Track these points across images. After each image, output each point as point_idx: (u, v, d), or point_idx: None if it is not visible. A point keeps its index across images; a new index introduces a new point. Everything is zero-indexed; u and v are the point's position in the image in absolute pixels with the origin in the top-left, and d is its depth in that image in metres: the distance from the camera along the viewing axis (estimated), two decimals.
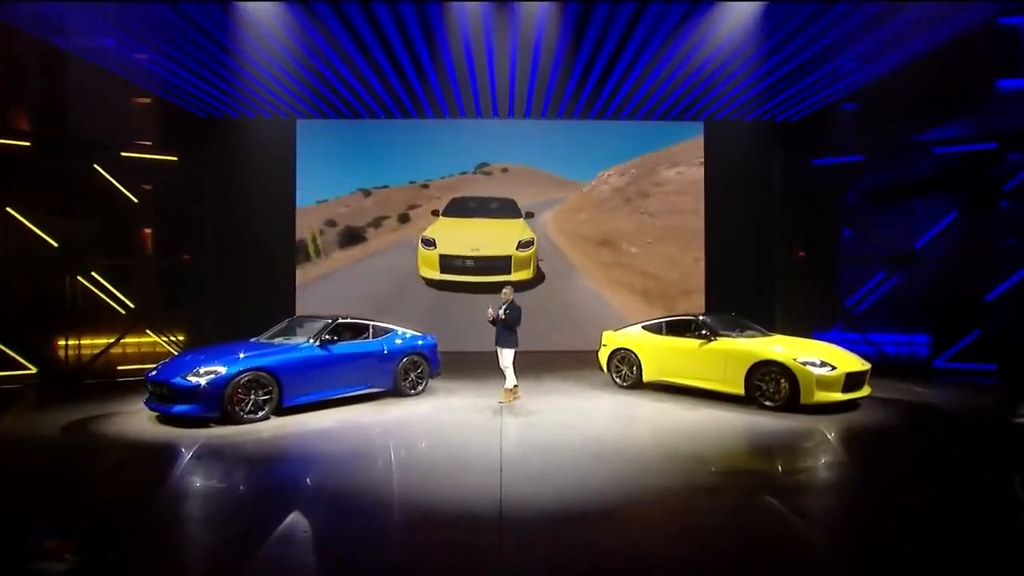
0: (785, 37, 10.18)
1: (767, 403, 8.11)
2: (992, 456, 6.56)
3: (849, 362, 8.20)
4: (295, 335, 8.80)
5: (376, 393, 9.09)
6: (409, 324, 10.07)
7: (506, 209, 14.78)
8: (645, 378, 9.68)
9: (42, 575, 3.34)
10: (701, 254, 14.71)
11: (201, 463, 6.07)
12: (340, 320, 8.89)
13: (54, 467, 6.09)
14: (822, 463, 6.26)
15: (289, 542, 4.24)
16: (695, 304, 14.45)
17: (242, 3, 9.70)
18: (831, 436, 6.97)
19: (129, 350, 12.12)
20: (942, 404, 9.08)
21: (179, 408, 7.26)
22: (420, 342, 9.65)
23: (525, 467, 5.85)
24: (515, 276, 14.20)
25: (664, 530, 4.61)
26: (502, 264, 14.28)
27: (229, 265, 13.71)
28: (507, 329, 8.78)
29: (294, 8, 9.81)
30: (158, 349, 12.26)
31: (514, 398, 8.81)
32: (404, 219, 14.77)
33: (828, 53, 10.60)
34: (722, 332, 9.01)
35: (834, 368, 7.90)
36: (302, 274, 14.46)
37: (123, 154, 12.00)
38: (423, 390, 9.49)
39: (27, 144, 10.82)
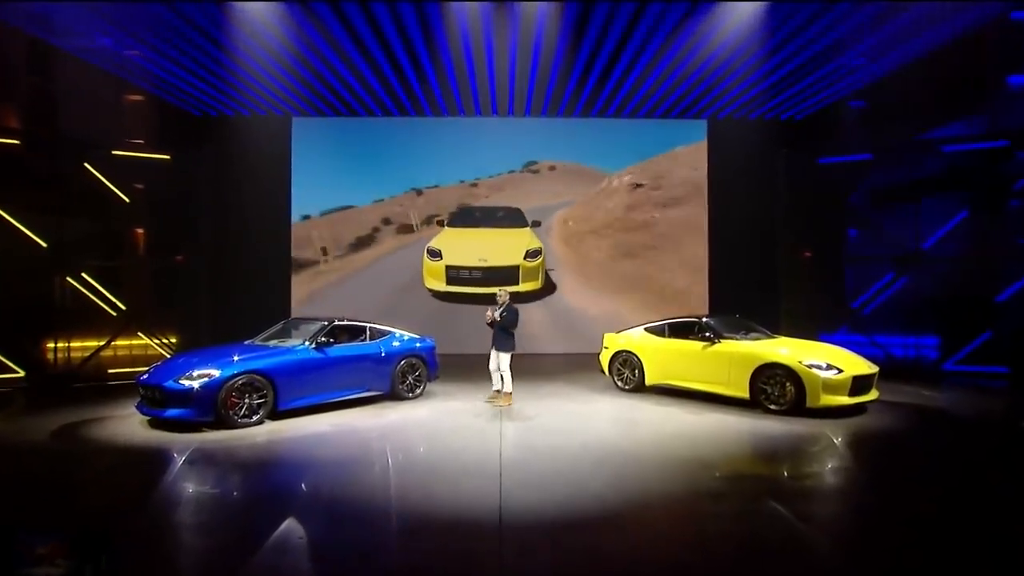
0: (790, 33, 10.19)
1: (772, 407, 8.12)
2: (1003, 461, 6.56)
3: (856, 365, 8.20)
4: (291, 337, 8.80)
5: (373, 397, 9.09)
6: (411, 326, 10.09)
7: (512, 218, 14.75)
8: (647, 381, 9.69)
9: None
10: (704, 254, 14.72)
11: (194, 468, 6.07)
12: (336, 322, 8.89)
13: (43, 473, 6.09)
14: (828, 468, 6.26)
15: (284, 549, 4.24)
16: (698, 306, 14.46)
17: (237, 1, 9.72)
18: (837, 441, 6.97)
19: (120, 353, 12.13)
20: (952, 408, 9.08)
21: (171, 412, 7.26)
22: (418, 344, 9.66)
23: (525, 472, 5.85)
24: (523, 287, 14.17)
25: (667, 536, 4.61)
26: (510, 274, 14.22)
27: (223, 266, 13.72)
28: (504, 332, 8.80)
29: (290, 4, 9.82)
30: (150, 352, 12.26)
31: (506, 404, 8.83)
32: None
33: (834, 49, 10.61)
34: (726, 334, 9.01)
35: (841, 371, 7.90)
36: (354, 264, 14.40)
37: (115, 153, 12.02)
38: (421, 393, 9.49)
39: (16, 142, 10.83)
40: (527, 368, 11.70)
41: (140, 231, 12.83)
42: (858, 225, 13.43)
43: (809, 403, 7.83)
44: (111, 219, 12.27)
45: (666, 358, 9.50)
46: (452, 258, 14.31)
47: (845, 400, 7.87)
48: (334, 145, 14.58)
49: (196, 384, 7.22)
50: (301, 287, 14.48)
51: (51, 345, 11.36)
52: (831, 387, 7.81)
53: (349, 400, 8.78)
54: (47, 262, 11.17)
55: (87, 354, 11.66)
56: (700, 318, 9.43)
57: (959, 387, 10.50)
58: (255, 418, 7.53)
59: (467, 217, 14.74)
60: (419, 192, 14.87)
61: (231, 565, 4.03)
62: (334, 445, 6.98)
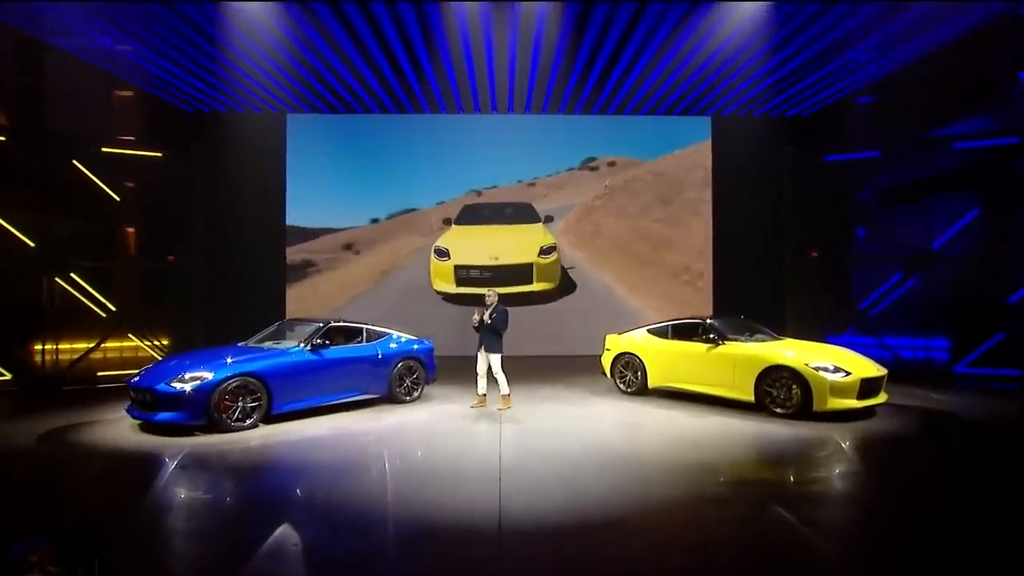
0: (796, 28, 10.21)
1: (778, 410, 8.12)
2: (1014, 466, 6.57)
3: (864, 367, 8.21)
4: (285, 339, 8.81)
5: (370, 400, 9.10)
6: (408, 328, 10.10)
7: (523, 213, 14.49)
8: (650, 384, 9.70)
9: None
10: (708, 254, 14.73)
11: (186, 473, 6.07)
12: (332, 323, 8.90)
13: (30, 478, 6.09)
14: (836, 473, 6.27)
15: (278, 556, 4.24)
16: (702, 307, 14.46)
17: None
18: (845, 445, 6.98)
19: (110, 355, 12.13)
20: (962, 412, 9.09)
21: (163, 416, 7.26)
22: (416, 346, 9.66)
23: (525, 476, 5.86)
24: (537, 286, 13.94)
25: (670, 542, 4.62)
26: (523, 273, 13.93)
27: (216, 266, 13.71)
28: (494, 334, 8.80)
29: None
30: (141, 354, 12.27)
31: (506, 406, 8.85)
32: None
33: (841, 44, 10.62)
34: (731, 336, 9.02)
35: (848, 374, 7.91)
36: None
37: (104, 150, 12.01)
38: (419, 396, 9.50)
39: (3, 139, 10.84)
40: (527, 370, 11.71)
41: (131, 230, 12.83)
42: (866, 224, 13.44)
43: (816, 406, 7.84)
44: (101, 218, 12.27)
45: (669, 360, 9.51)
46: (461, 257, 14.06)
47: (853, 403, 7.87)
48: (343, 144, 14.50)
49: (188, 387, 7.22)
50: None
51: (39, 347, 11.36)
52: (838, 390, 7.82)
53: (345, 403, 8.79)
54: (35, 262, 11.17)
55: (76, 356, 11.66)
56: (704, 319, 9.45)
57: (970, 390, 10.51)
58: (249, 422, 7.53)
59: (475, 214, 14.51)
60: (478, 193, 14.70)
61: (224, 573, 4.03)
62: (330, 449, 6.99)
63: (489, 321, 8.74)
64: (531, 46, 11.18)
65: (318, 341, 8.47)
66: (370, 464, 6.67)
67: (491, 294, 9.04)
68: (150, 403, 7.37)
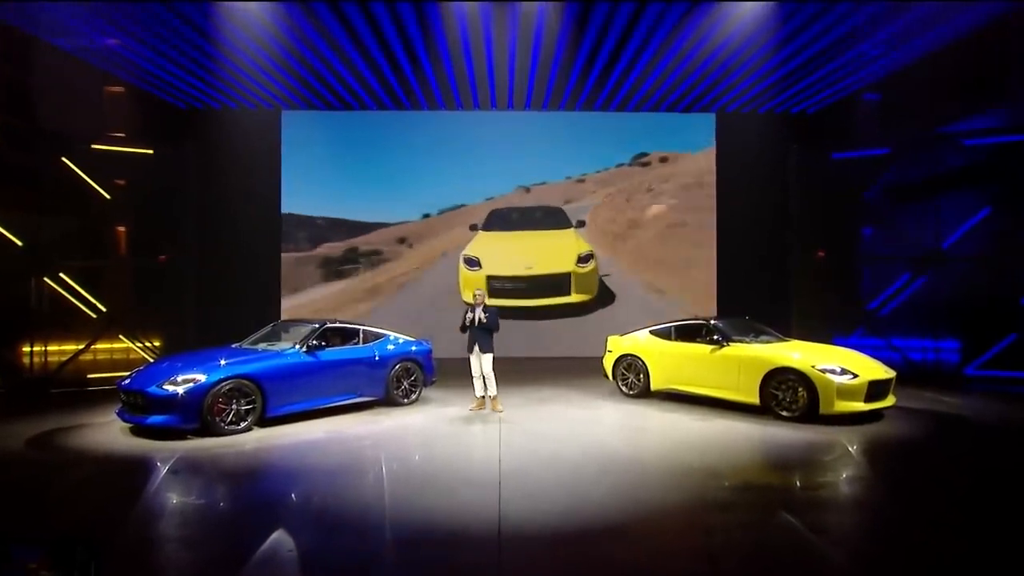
0: (803, 23, 10.20)
1: (784, 413, 8.13)
2: None
3: (872, 370, 8.22)
4: (280, 341, 8.83)
5: (367, 402, 9.11)
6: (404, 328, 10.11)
7: (554, 218, 14.08)
8: (653, 386, 9.70)
9: None
10: (713, 254, 14.74)
11: (178, 478, 6.08)
12: (328, 324, 8.91)
13: (18, 483, 6.10)
14: (843, 478, 6.27)
15: (273, 563, 4.25)
16: (706, 307, 14.47)
17: None
18: (853, 449, 6.99)
19: (100, 357, 12.13)
20: (973, 415, 9.09)
21: (154, 419, 7.26)
22: (413, 348, 9.67)
23: (525, 481, 5.86)
24: (575, 297, 13.53)
25: (673, 548, 4.62)
26: (560, 283, 13.42)
27: (210, 266, 13.72)
28: (487, 333, 8.82)
29: None
30: (132, 356, 12.27)
31: (482, 408, 8.91)
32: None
33: (849, 39, 10.62)
34: (735, 337, 9.03)
35: (856, 376, 7.91)
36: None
37: (94, 146, 12.03)
38: (417, 399, 9.51)
39: None
40: (527, 372, 11.72)
41: (121, 229, 12.84)
42: (874, 223, 13.45)
43: (822, 409, 7.85)
44: (91, 216, 12.27)
45: (672, 362, 9.52)
46: (493, 267, 13.64)
47: (860, 406, 7.88)
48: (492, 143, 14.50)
49: (181, 389, 7.22)
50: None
51: (27, 349, 11.35)
52: (846, 393, 7.83)
53: (341, 406, 8.79)
54: (23, 262, 11.15)
55: (65, 358, 11.66)
56: (708, 320, 9.46)
57: (981, 393, 10.52)
58: (243, 425, 7.54)
59: (504, 219, 14.18)
60: (527, 189, 14.57)
61: None
62: (326, 453, 6.99)
63: (484, 320, 8.75)
64: (531, 43, 11.18)
65: (314, 342, 8.47)
66: (367, 468, 6.67)
67: (479, 293, 9.08)
68: (141, 406, 7.37)
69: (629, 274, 14.68)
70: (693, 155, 14.77)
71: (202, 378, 7.35)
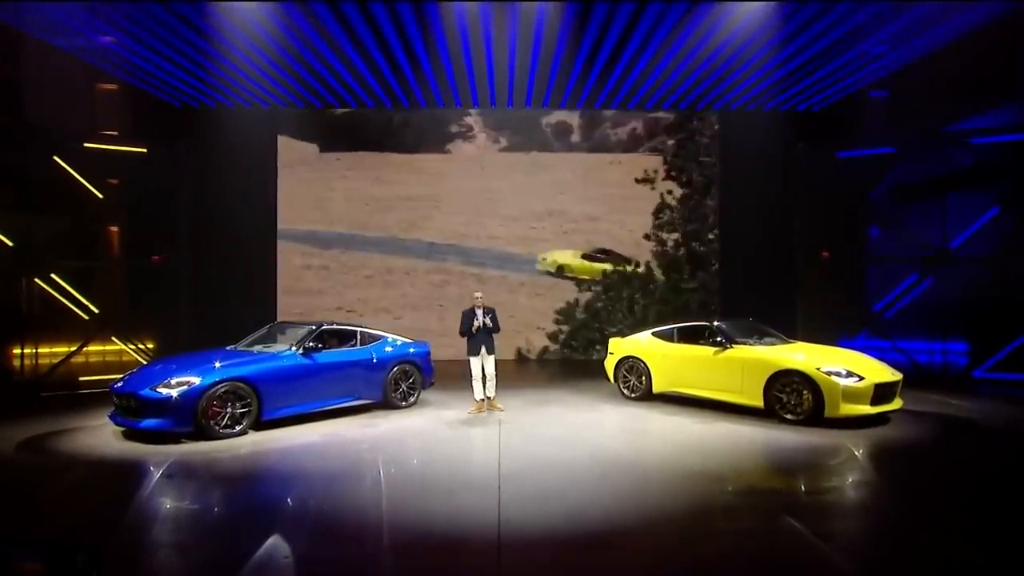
0: (806, 19, 10.20)
1: (788, 416, 8.13)
2: None
3: (878, 372, 8.22)
4: (276, 342, 8.83)
5: (364, 405, 9.11)
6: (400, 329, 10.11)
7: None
8: (655, 389, 9.71)
9: None
10: (716, 254, 14.75)
11: (172, 483, 6.08)
12: (325, 326, 8.91)
13: (8, 488, 6.09)
14: (849, 482, 6.28)
15: (268, 569, 4.25)
16: (709, 309, 14.49)
17: None
18: (859, 453, 6.99)
19: (93, 359, 12.13)
20: (982, 418, 9.08)
21: (148, 422, 7.26)
22: (412, 350, 9.67)
23: (525, 486, 5.86)
24: None
25: (676, 555, 4.63)
26: None
27: (204, 266, 13.72)
28: (490, 336, 8.97)
29: None
30: (125, 358, 12.27)
31: (482, 411, 9.00)
32: None
33: (854, 36, 10.62)
34: (739, 339, 9.03)
35: (862, 378, 7.92)
36: None
37: (87, 145, 12.02)
38: (415, 402, 9.51)
39: None
40: (528, 374, 11.73)
41: (114, 229, 12.85)
42: (880, 223, 13.46)
43: (828, 412, 7.84)
44: (83, 216, 12.28)
45: (675, 364, 9.52)
46: None
47: (866, 409, 7.88)
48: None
49: (174, 392, 7.22)
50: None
51: (17, 351, 11.35)
52: (851, 395, 7.83)
53: (338, 409, 8.79)
54: (14, 262, 11.16)
55: (57, 360, 11.66)
56: (711, 322, 9.46)
57: (989, 396, 10.51)
58: (238, 428, 7.54)
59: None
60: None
61: None
62: (322, 457, 6.99)
63: (489, 323, 8.84)
64: (531, 41, 11.18)
65: (310, 344, 8.47)
66: (364, 472, 6.67)
67: (480, 295, 9.13)
68: (134, 409, 7.36)
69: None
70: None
71: (196, 381, 7.34)
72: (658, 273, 14.74)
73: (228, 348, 8.73)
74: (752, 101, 13.72)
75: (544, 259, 14.64)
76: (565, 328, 14.50)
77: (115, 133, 12.55)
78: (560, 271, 14.63)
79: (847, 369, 7.99)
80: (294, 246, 14.57)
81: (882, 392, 8.02)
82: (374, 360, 9.11)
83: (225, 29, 10.46)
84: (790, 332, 10.51)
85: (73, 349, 11.83)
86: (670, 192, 14.76)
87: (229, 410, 7.51)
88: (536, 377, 11.74)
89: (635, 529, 5.00)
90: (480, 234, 14.72)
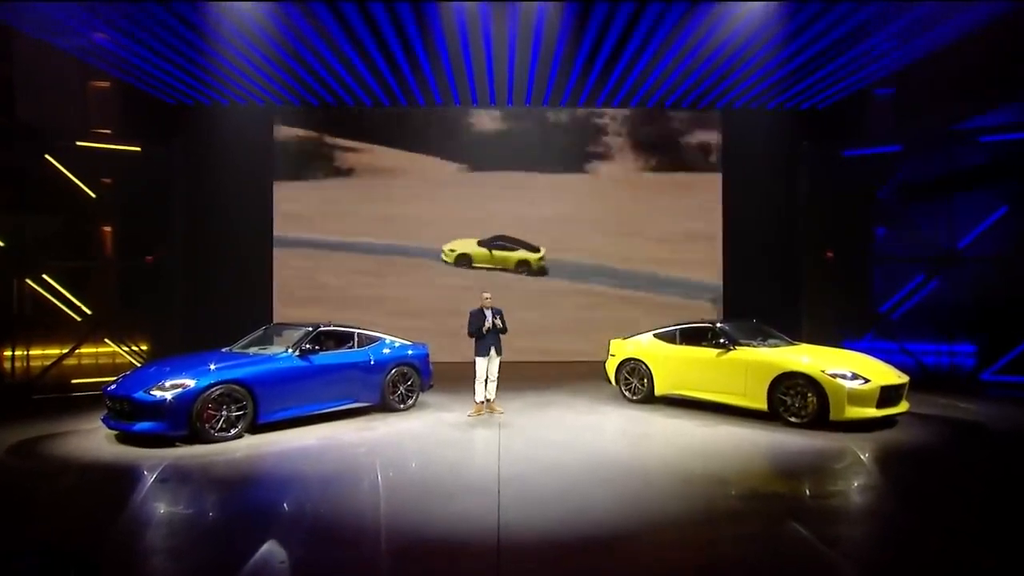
0: (812, 15, 10.21)
1: (792, 419, 8.14)
2: None
3: (884, 374, 8.23)
4: (272, 344, 8.84)
5: (362, 408, 9.12)
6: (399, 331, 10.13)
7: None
8: (657, 391, 9.71)
9: None
10: (719, 255, 14.76)
11: (166, 487, 6.09)
12: (322, 328, 8.92)
13: (0, 493, 6.09)
14: (854, 487, 6.28)
15: (264, 575, 4.26)
16: (712, 310, 14.49)
17: None
18: (864, 457, 7.00)
19: (85, 361, 12.13)
20: (990, 421, 9.09)
21: (141, 426, 7.27)
22: (410, 351, 9.69)
23: (525, 490, 5.87)
24: None
25: (678, 560, 4.63)
26: None
27: (199, 267, 13.74)
28: (498, 336, 9.02)
29: None
30: (118, 360, 12.27)
31: (481, 413, 9.04)
32: None
33: (860, 32, 10.63)
34: (742, 341, 9.04)
35: (867, 381, 7.92)
36: None
37: (79, 143, 12.01)
38: (413, 404, 9.52)
39: None
40: (528, 377, 11.72)
41: (107, 229, 12.83)
42: (886, 223, 13.45)
43: (833, 415, 7.85)
44: (75, 216, 12.26)
45: (677, 366, 9.53)
46: None
47: (872, 412, 7.89)
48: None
49: (169, 395, 7.23)
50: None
51: (8, 353, 11.35)
52: (857, 398, 7.83)
53: (336, 412, 8.80)
54: (5, 262, 11.16)
55: (49, 363, 11.65)
56: (714, 323, 9.48)
57: (998, 399, 10.51)
58: (233, 432, 7.55)
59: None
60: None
61: None
62: (319, 461, 6.99)
63: (500, 323, 8.91)
64: (532, 38, 11.19)
65: (307, 346, 8.49)
66: (362, 476, 6.68)
67: (488, 296, 9.13)
68: (128, 412, 7.37)
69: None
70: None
71: (191, 383, 7.35)
72: None
73: (223, 350, 8.73)
74: (757, 99, 13.73)
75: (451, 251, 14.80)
76: None
77: (108, 131, 12.55)
78: (463, 261, 14.75)
79: (852, 371, 8.00)
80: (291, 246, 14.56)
81: (888, 395, 8.03)
82: (372, 362, 9.12)
83: (219, 25, 10.47)
84: (794, 334, 10.52)
85: (65, 351, 11.82)
86: None
87: (224, 413, 7.52)
88: (536, 379, 11.74)
89: (636, 534, 5.01)
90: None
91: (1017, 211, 11.54)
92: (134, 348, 12.68)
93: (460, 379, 10.76)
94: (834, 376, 7.92)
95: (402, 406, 9.37)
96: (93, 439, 7.72)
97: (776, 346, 9.08)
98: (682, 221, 14.91)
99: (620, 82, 13.07)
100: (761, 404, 8.45)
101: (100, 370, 11.77)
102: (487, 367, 9.00)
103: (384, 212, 14.76)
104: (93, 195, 12.23)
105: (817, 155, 13.79)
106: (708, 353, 9.13)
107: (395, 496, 6.01)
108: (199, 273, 13.73)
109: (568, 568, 4.40)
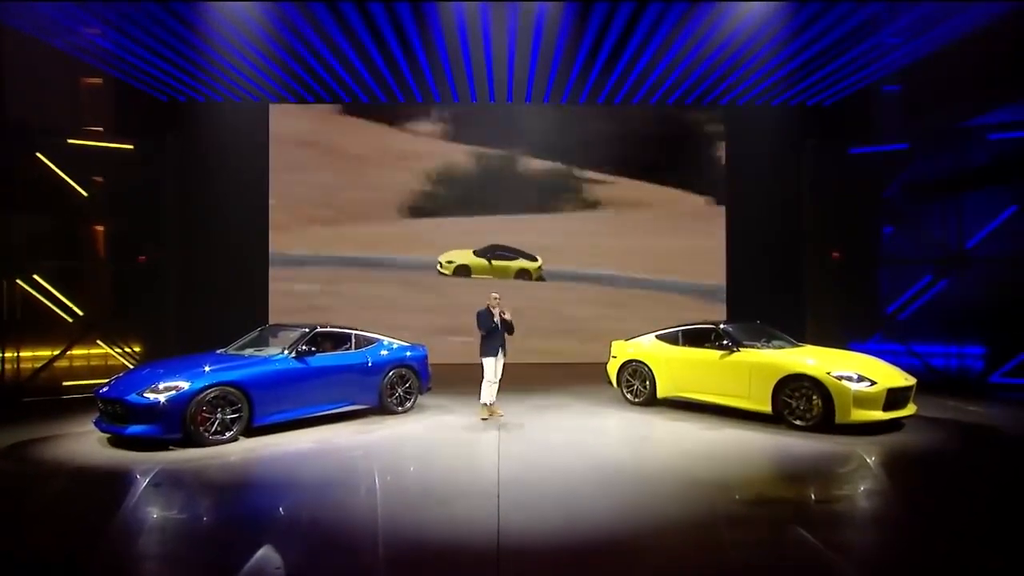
0: (817, 10, 10.22)
1: (797, 422, 8.14)
2: None
3: (891, 377, 8.23)
4: (268, 346, 8.83)
5: (359, 411, 9.12)
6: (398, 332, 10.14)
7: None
8: (659, 394, 9.72)
9: None
10: (722, 255, 14.76)
11: (159, 491, 6.08)
12: (319, 329, 8.93)
13: None
14: (861, 491, 6.28)
15: None
16: (716, 311, 14.49)
17: None
18: (871, 461, 7.00)
19: (77, 363, 12.12)
20: (999, 424, 9.09)
21: (134, 429, 7.26)
22: (408, 353, 9.69)
23: (526, 493, 5.87)
24: None
25: (681, 566, 4.64)
26: None
27: (193, 267, 13.73)
28: (504, 336, 9.01)
29: None
30: (111, 362, 12.27)
31: (492, 415, 9.04)
32: None
33: (867, 28, 10.64)
34: (746, 342, 9.04)
35: (874, 383, 7.93)
36: None
37: (71, 141, 12.01)
38: (412, 407, 9.52)
39: None
40: (528, 378, 11.72)
41: (100, 228, 12.82)
42: (893, 222, 13.45)
43: (838, 419, 7.85)
44: (67, 215, 12.25)
45: (680, 368, 9.53)
46: None
47: (879, 415, 7.89)
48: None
49: (162, 397, 7.22)
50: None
51: None
52: (863, 401, 7.83)
53: (333, 415, 8.80)
54: None
55: (39, 365, 11.65)
56: (717, 324, 9.47)
57: (1007, 402, 10.52)
58: (228, 435, 7.54)
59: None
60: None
61: None
62: (316, 464, 7.00)
63: (509, 319, 8.92)
64: (532, 32, 11.20)
65: (303, 348, 8.49)
66: (359, 481, 6.68)
67: (497, 296, 9.15)
68: (120, 415, 7.37)
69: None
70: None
71: (185, 385, 7.35)
72: None
73: (218, 351, 8.74)
74: (761, 95, 13.73)
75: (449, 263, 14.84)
76: None
77: (100, 129, 12.55)
78: (462, 272, 14.80)
79: (859, 373, 8.00)
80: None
81: (895, 397, 8.03)
82: (369, 364, 9.13)
83: (212, 19, 10.47)
84: (799, 335, 10.52)
85: (57, 353, 11.82)
86: None
87: (219, 416, 7.51)
88: (537, 381, 11.74)
89: (638, 539, 5.01)
90: None
91: None
92: (127, 350, 12.68)
93: (461, 382, 10.78)
94: (840, 378, 7.92)
95: (400, 408, 9.37)
96: (85, 442, 7.71)
97: (780, 348, 9.08)
98: (685, 221, 14.91)
99: (622, 79, 13.06)
100: (765, 407, 8.45)
101: (92, 372, 11.76)
102: (492, 367, 8.98)
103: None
104: (85, 194, 12.23)
105: (823, 153, 13.79)
106: (711, 355, 9.13)
107: (393, 500, 6.02)
108: (193, 273, 13.71)
109: (568, 573, 4.40)
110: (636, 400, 9.97)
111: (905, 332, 12.85)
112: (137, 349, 12.88)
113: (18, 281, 11.45)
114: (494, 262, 14.72)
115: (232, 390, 7.61)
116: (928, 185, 12.86)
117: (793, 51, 11.53)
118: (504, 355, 9.05)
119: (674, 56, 11.98)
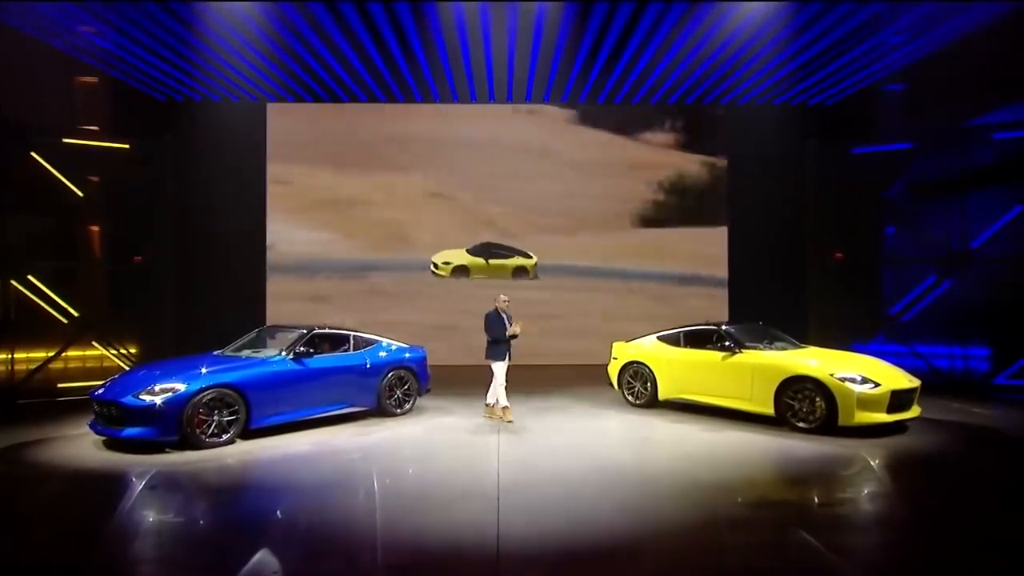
0: (819, 9, 10.23)
1: (800, 424, 8.14)
2: None
3: (895, 378, 8.23)
4: (265, 347, 8.85)
5: (357, 413, 9.12)
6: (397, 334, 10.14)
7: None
8: (661, 395, 9.72)
9: None
10: (724, 255, 14.76)
11: (155, 494, 6.07)
12: (316, 330, 8.92)
13: None
14: (864, 494, 6.28)
15: None
16: (717, 312, 14.49)
17: None
18: (874, 463, 7.00)
19: (72, 365, 12.11)
20: (1004, 427, 9.10)
21: (130, 431, 7.26)
22: (407, 355, 9.69)
23: (526, 497, 5.87)
24: None
25: (683, 570, 4.63)
26: None
27: (190, 268, 13.72)
28: (509, 340, 9.02)
29: None
30: (106, 364, 12.26)
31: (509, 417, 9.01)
32: None
33: (870, 27, 10.64)
34: (748, 344, 9.04)
35: (877, 385, 7.92)
36: None
37: (66, 140, 12.00)
38: (410, 409, 9.52)
39: None
40: (528, 380, 11.72)
41: (95, 228, 12.82)
42: (896, 222, 13.45)
43: (842, 421, 7.85)
44: (62, 215, 12.25)
45: (681, 370, 9.53)
46: None
47: (882, 417, 7.88)
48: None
49: (158, 400, 7.22)
50: None
51: None
52: (867, 403, 7.83)
53: (331, 417, 8.80)
54: None
55: (34, 366, 11.64)
56: (719, 326, 9.47)
57: (1012, 404, 10.52)
58: (225, 437, 7.54)
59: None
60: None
61: None
62: (314, 467, 7.00)
63: (519, 330, 8.94)
64: (532, 31, 11.21)
65: (301, 349, 8.48)
66: (357, 484, 6.68)
67: (506, 298, 9.18)
68: (116, 417, 7.36)
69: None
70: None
71: (181, 387, 7.34)
72: None
73: (215, 353, 8.73)
74: (763, 95, 13.74)
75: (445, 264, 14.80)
76: None
77: (96, 128, 12.54)
78: (459, 273, 14.78)
79: (862, 375, 7.99)
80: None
81: (899, 399, 8.03)
82: (368, 365, 9.12)
83: (210, 19, 10.48)
84: (802, 336, 10.52)
85: (52, 354, 11.81)
86: None
87: (216, 418, 7.51)
88: (537, 382, 11.73)
89: (640, 543, 5.01)
90: None
91: None
92: (123, 351, 12.67)
93: (461, 383, 10.79)
94: (843, 380, 7.92)
95: (399, 411, 9.37)
96: (80, 445, 7.70)
97: (783, 349, 9.08)
98: (687, 221, 14.94)
99: (622, 78, 13.07)
100: (768, 409, 8.45)
101: (88, 374, 11.75)
102: (501, 370, 9.00)
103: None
104: (80, 194, 12.22)
105: (825, 153, 13.79)
106: (713, 356, 9.13)
107: (391, 504, 6.01)
108: (190, 274, 13.71)
109: None
110: (637, 402, 9.97)
111: (909, 333, 12.84)
112: (133, 350, 12.87)
113: (13, 282, 11.44)
114: (491, 260, 14.71)
115: (229, 392, 7.61)
116: (931, 185, 12.87)
117: (794, 51, 11.54)
118: (510, 358, 9.07)
119: (674, 56, 11.99)
